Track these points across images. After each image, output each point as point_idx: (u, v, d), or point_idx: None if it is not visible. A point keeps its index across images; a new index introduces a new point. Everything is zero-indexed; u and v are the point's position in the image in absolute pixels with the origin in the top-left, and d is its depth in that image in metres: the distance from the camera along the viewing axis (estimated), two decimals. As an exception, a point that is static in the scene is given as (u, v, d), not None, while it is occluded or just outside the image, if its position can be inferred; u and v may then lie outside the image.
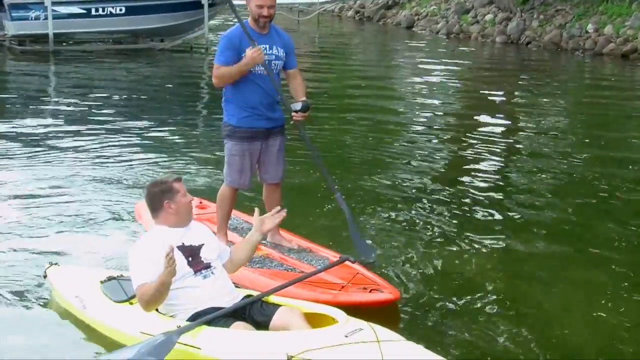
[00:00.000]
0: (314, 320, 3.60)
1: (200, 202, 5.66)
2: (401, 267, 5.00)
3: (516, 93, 13.31)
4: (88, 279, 4.29)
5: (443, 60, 18.39)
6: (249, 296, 3.79)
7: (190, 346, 3.41)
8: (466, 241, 5.49)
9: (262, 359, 3.24)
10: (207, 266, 3.70)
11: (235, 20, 4.79)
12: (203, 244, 3.76)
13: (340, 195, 4.99)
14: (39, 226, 5.69)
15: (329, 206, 6.07)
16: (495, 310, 4.42)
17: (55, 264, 4.53)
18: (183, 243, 3.70)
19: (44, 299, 4.46)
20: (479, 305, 4.47)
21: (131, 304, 3.90)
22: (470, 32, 22.94)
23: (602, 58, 17.93)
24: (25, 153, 8.05)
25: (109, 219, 5.88)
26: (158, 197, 3.73)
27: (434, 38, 23.23)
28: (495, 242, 5.54)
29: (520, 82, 14.95)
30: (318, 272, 4.31)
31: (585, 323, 4.28)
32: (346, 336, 3.26)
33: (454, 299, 4.53)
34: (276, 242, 4.96)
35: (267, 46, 4.77)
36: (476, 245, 5.41)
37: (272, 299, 3.80)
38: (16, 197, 6.40)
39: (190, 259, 3.66)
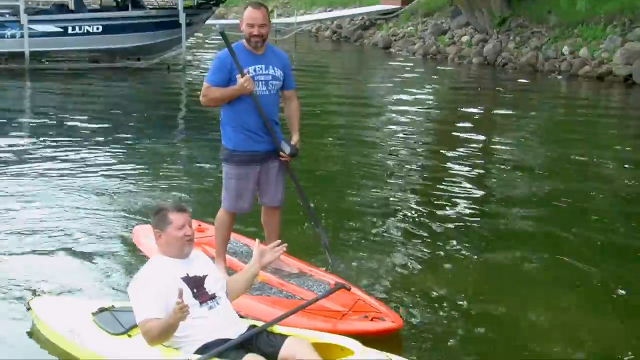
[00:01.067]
0: (322, 350, 3.47)
1: (199, 225, 5.46)
2: (387, 288, 4.96)
3: (492, 111, 13.52)
4: (77, 310, 4.08)
5: (420, 80, 18.47)
6: (253, 326, 3.66)
7: None
8: (452, 256, 5.58)
9: None
10: (212, 297, 3.57)
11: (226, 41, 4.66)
12: (207, 275, 3.63)
13: (323, 229, 5.00)
14: (21, 252, 5.42)
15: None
16: (489, 331, 4.45)
17: (39, 294, 4.31)
18: (187, 274, 3.55)
19: (29, 332, 4.22)
20: (472, 327, 4.46)
21: (129, 336, 3.72)
22: (447, 53, 23.08)
23: (577, 80, 18.14)
24: (1, 171, 7.82)
25: (95, 243, 5.65)
26: (153, 224, 3.62)
27: (411, 59, 23.33)
28: (482, 256, 5.65)
29: (496, 101, 15.11)
30: (316, 300, 4.20)
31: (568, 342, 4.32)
32: None
33: (447, 321, 4.53)
34: (276, 267, 4.82)
35: (263, 66, 4.67)
36: (464, 262, 5.50)
37: (278, 328, 3.68)
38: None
39: (195, 290, 3.52)
